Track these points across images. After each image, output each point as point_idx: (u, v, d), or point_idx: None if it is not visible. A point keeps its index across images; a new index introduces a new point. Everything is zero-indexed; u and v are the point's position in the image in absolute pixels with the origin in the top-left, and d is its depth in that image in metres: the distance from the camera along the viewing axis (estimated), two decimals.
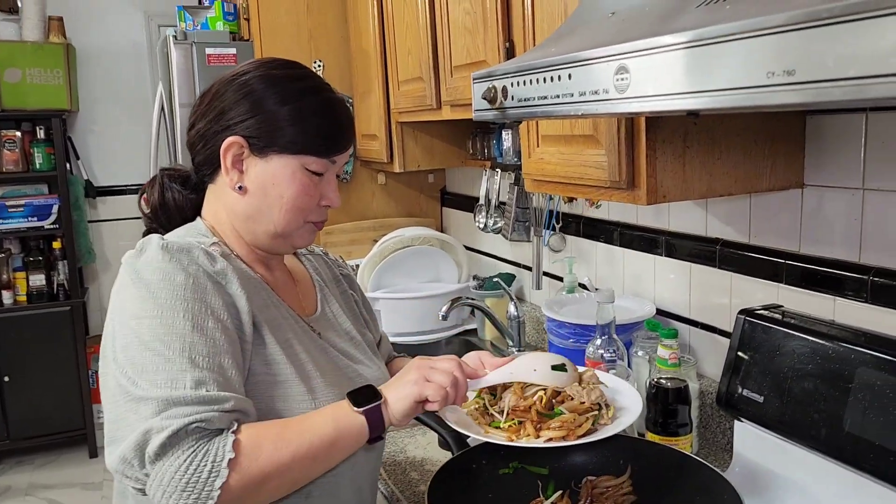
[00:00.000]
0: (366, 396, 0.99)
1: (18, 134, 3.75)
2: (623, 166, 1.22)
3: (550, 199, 2.05)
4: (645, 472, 1.14)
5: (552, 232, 2.07)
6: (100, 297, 4.26)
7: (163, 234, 1.06)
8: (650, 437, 1.41)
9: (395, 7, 2.25)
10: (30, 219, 3.78)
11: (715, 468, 1.08)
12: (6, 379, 3.75)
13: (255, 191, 1.06)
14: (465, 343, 2.38)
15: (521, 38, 1.52)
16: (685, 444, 1.39)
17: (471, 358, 1.29)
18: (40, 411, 3.81)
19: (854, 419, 1.12)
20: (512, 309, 2.08)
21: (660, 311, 1.73)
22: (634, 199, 1.24)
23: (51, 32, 3.80)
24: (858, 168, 1.24)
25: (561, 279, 2.08)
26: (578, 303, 1.86)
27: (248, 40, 2.72)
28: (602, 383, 1.17)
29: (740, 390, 1.33)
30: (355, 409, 0.97)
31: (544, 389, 1.10)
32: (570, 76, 0.86)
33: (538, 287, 2.13)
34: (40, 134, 3.79)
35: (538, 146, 1.49)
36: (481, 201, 2.34)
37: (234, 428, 0.90)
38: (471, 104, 1.16)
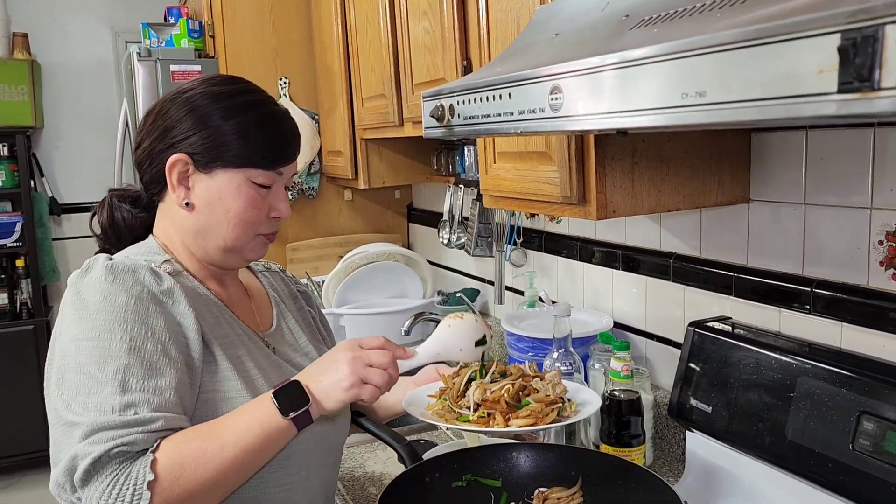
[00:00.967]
0: (291, 399, 0.96)
1: None
2: (574, 182, 1.25)
3: (512, 214, 2.07)
4: (596, 483, 1.16)
5: (513, 247, 2.09)
6: None
7: (112, 254, 1.06)
8: (604, 448, 1.43)
9: (358, 25, 2.27)
10: None
11: (663, 479, 1.10)
12: None
13: (202, 207, 1.07)
14: None
15: (478, 57, 1.55)
16: (638, 455, 1.41)
17: (428, 371, 1.32)
18: (1, 432, 3.74)
19: (796, 427, 1.15)
20: None
21: (618, 325, 1.75)
22: (585, 215, 1.27)
23: (15, 49, 3.77)
24: (800, 183, 1.28)
25: (523, 294, 2.10)
26: (538, 317, 1.88)
27: (213, 57, 2.72)
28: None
29: (691, 401, 1.36)
30: (283, 416, 0.95)
31: (512, 383, 1.13)
32: (510, 95, 0.89)
33: (501, 302, 2.15)
34: (4, 151, 3.74)
35: (495, 162, 1.52)
36: (445, 217, 2.36)
37: (154, 448, 0.89)
38: None
